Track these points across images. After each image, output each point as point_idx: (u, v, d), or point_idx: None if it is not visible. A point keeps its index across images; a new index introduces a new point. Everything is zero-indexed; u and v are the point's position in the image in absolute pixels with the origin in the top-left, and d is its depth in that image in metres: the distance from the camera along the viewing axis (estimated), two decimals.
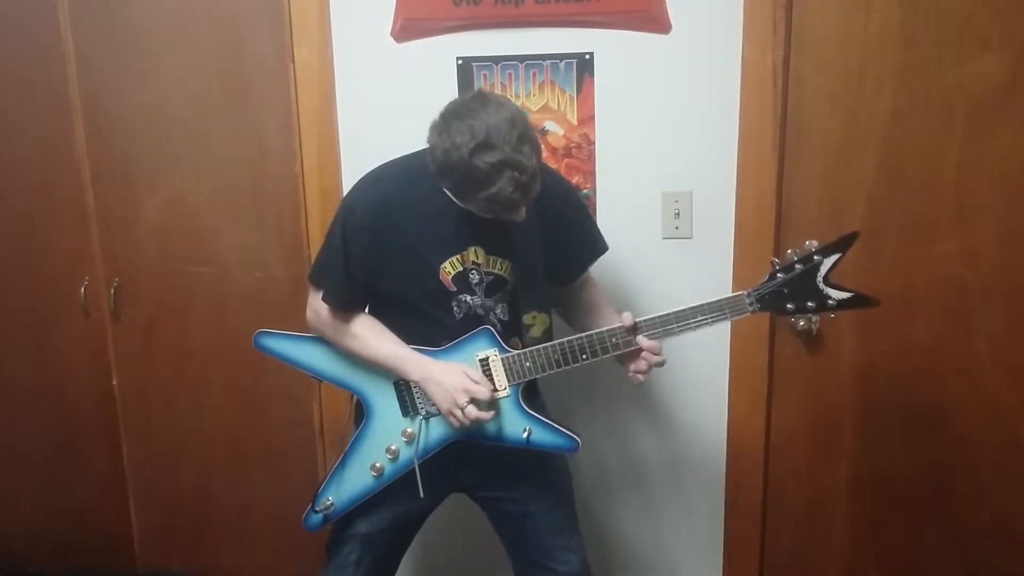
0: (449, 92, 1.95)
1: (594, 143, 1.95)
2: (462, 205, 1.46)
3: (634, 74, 1.90)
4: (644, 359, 1.53)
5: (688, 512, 2.13)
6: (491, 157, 1.32)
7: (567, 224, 1.65)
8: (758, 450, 2.05)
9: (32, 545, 2.54)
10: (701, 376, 2.03)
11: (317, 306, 1.62)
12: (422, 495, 1.57)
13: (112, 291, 2.28)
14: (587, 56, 1.91)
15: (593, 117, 1.94)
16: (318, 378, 1.70)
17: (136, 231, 2.24)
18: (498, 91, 1.94)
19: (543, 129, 1.96)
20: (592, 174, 1.97)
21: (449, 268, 1.54)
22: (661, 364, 1.54)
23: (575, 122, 1.95)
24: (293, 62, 2.02)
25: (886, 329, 1.93)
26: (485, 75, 1.95)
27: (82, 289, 2.30)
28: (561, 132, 1.95)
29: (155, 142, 2.18)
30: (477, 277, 1.55)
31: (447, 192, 1.48)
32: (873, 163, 1.86)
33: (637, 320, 1.51)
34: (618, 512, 2.16)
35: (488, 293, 1.57)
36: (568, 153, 1.96)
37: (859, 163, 1.87)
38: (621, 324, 1.50)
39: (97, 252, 2.28)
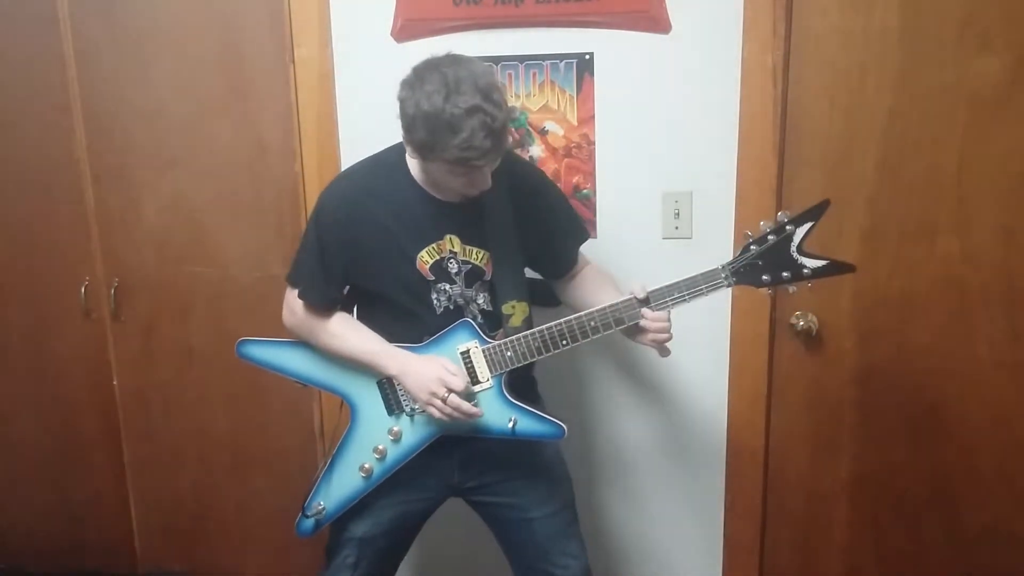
0: None
1: (594, 143, 1.95)
2: (429, 166, 1.45)
3: (634, 74, 1.90)
4: (653, 333, 1.49)
5: (688, 512, 2.13)
6: (463, 102, 1.33)
7: (546, 214, 1.64)
8: (758, 450, 2.05)
9: (32, 545, 2.54)
10: (701, 376, 2.03)
11: (294, 305, 1.64)
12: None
13: (112, 291, 2.28)
14: (587, 56, 1.91)
15: (593, 117, 1.94)
16: (302, 383, 1.70)
17: (136, 231, 2.24)
18: None
19: (543, 129, 1.96)
20: (592, 174, 1.97)
21: (426, 257, 1.54)
22: (664, 352, 1.52)
23: (575, 122, 1.94)
24: (293, 62, 2.02)
25: (886, 329, 1.93)
26: None
27: (82, 289, 2.30)
28: (561, 132, 1.95)
29: (155, 142, 2.18)
30: (456, 267, 1.56)
31: (415, 160, 1.48)
32: (873, 163, 1.86)
33: (612, 303, 1.49)
34: (617, 513, 2.16)
35: (467, 283, 1.57)
36: (568, 153, 1.96)
37: (859, 163, 1.87)
38: (601, 306, 1.49)
39: (97, 252, 2.28)
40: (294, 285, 1.64)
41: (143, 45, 2.13)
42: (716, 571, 2.14)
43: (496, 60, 1.93)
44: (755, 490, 2.08)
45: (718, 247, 1.94)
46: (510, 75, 1.94)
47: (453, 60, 1.40)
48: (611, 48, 1.90)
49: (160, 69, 2.13)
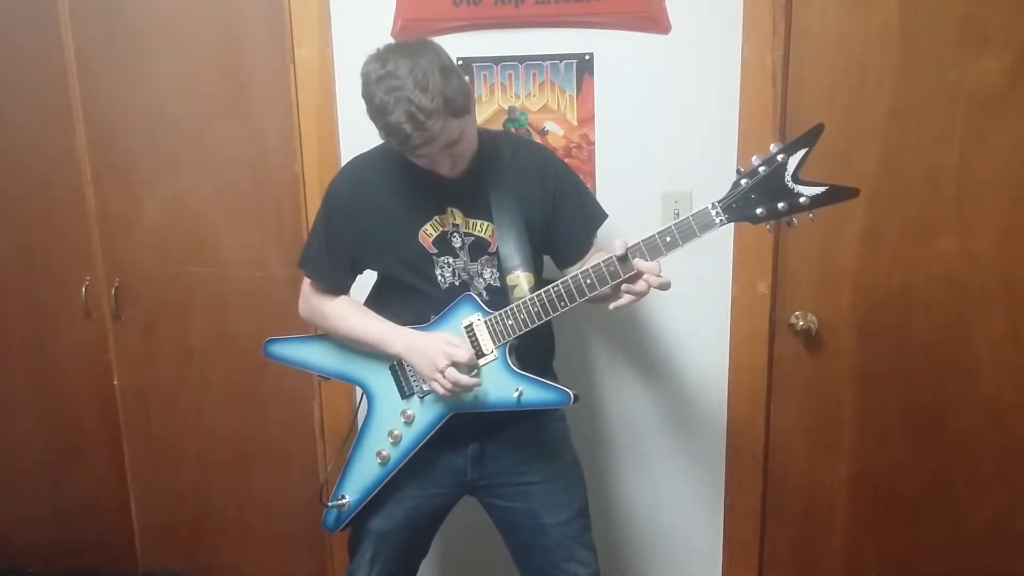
0: None
1: (594, 143, 1.95)
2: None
3: (634, 74, 1.90)
4: (645, 281, 1.40)
5: (688, 512, 2.13)
6: (389, 83, 1.35)
7: (558, 202, 1.61)
8: (758, 450, 2.05)
9: (32, 545, 2.54)
10: (701, 376, 2.03)
11: (307, 293, 1.68)
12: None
13: (112, 291, 2.28)
14: (587, 56, 1.91)
15: (593, 117, 1.94)
16: (325, 376, 1.72)
17: (136, 231, 2.24)
18: (498, 91, 1.95)
19: (543, 129, 1.96)
20: (592, 174, 1.97)
21: (429, 230, 1.55)
22: (665, 286, 1.40)
23: (575, 122, 1.95)
24: (293, 62, 2.02)
25: (886, 329, 1.93)
26: (485, 75, 1.95)
27: (82, 289, 2.30)
28: (561, 132, 1.95)
29: (155, 142, 2.18)
30: (459, 240, 1.56)
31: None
32: (873, 163, 1.86)
33: (605, 258, 1.43)
34: (617, 511, 2.16)
35: (472, 256, 1.57)
36: (568, 153, 1.96)
37: (859, 163, 1.87)
38: (599, 261, 1.43)
39: (97, 252, 2.28)
40: (302, 267, 1.67)
41: (143, 45, 2.13)
42: (716, 571, 2.15)
43: (496, 60, 1.93)
44: (755, 490, 2.08)
45: (718, 247, 1.94)
46: (510, 75, 1.94)
47: (415, 47, 1.41)
48: (611, 48, 1.90)
49: (160, 69, 2.13)
